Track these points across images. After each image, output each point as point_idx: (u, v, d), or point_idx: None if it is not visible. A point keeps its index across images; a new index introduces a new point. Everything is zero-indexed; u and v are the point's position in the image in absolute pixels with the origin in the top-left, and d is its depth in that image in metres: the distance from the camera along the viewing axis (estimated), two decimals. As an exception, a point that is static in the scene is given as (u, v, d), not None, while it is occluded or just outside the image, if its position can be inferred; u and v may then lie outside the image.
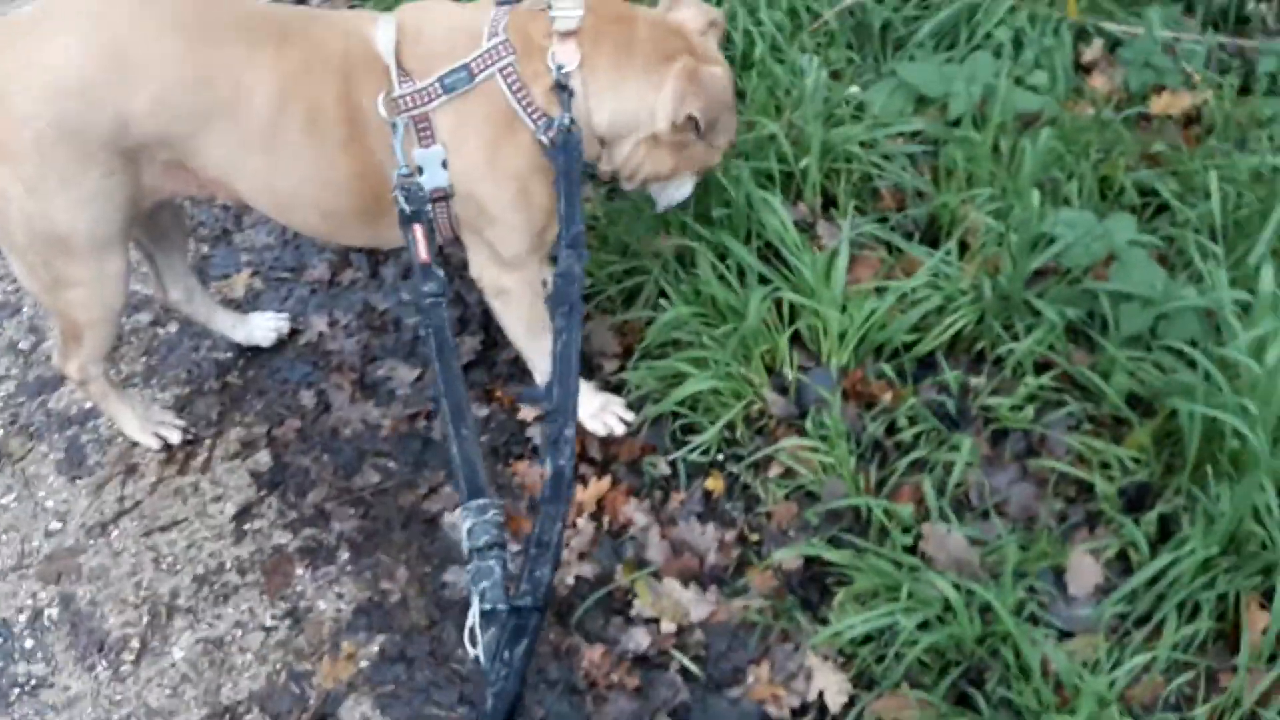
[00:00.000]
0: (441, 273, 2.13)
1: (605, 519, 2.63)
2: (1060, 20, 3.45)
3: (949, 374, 2.59)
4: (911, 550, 2.37)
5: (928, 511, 2.41)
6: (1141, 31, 3.39)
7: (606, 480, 2.69)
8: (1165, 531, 2.28)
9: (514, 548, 2.43)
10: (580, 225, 2.16)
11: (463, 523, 1.66)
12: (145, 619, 2.60)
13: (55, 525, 2.83)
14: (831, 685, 2.28)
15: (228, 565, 2.70)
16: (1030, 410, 2.51)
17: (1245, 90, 3.25)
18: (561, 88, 2.26)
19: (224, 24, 2.27)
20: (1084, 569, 2.28)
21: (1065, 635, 2.22)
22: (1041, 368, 2.59)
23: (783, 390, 2.69)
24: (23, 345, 3.36)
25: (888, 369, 2.64)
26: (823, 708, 2.28)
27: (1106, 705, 2.02)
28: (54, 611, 2.63)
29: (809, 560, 2.48)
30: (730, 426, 2.68)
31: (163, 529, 2.79)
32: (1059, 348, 2.56)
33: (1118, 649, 2.14)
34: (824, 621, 2.36)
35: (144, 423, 2.93)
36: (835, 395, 2.56)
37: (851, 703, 2.25)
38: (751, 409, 2.68)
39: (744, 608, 2.43)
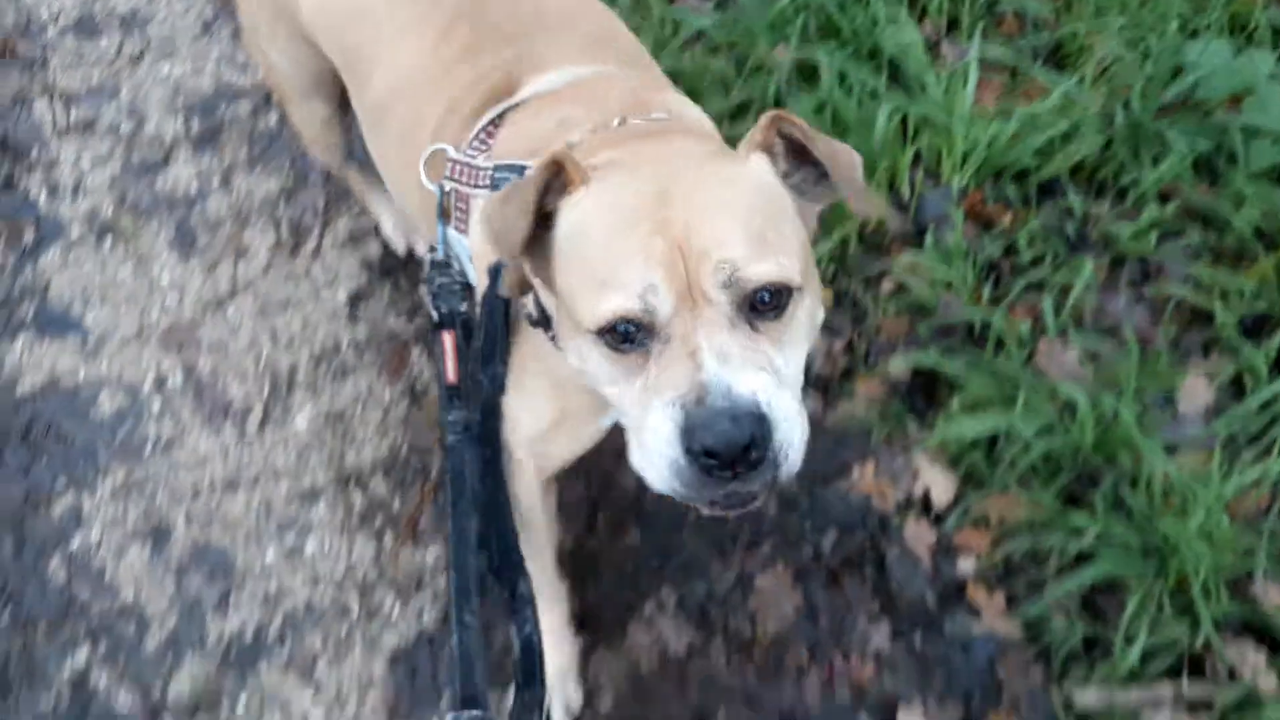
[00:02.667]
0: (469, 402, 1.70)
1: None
2: None
3: (1073, 198, 2.61)
4: (1026, 363, 2.43)
5: (1044, 330, 2.46)
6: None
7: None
8: (1280, 361, 2.34)
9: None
10: None
11: None
12: (266, 390, 2.69)
13: (172, 300, 2.89)
14: (939, 483, 2.37)
15: (344, 346, 2.77)
16: (1152, 238, 2.54)
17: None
18: None
19: None
20: (1196, 390, 2.34)
21: (1174, 450, 2.29)
22: (1163, 199, 2.60)
23: (900, 208, 2.72)
24: (124, 128, 3.37)
25: (1010, 191, 2.66)
26: (928, 504, 2.37)
27: (1216, 514, 2.10)
28: (177, 379, 2.71)
29: (916, 373, 2.54)
30: (843, 241, 2.72)
31: (278, 309, 2.86)
32: (1184, 179, 2.57)
33: (1228, 467, 2.21)
34: (933, 429, 2.43)
35: (399, 227, 2.91)
36: (957, 213, 2.58)
37: (957, 501, 2.35)
38: (866, 225, 2.71)
39: (851, 413, 2.51)
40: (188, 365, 2.74)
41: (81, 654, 2.29)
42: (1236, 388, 2.35)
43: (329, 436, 2.59)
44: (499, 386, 1.67)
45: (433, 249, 1.78)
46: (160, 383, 2.70)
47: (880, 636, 2.29)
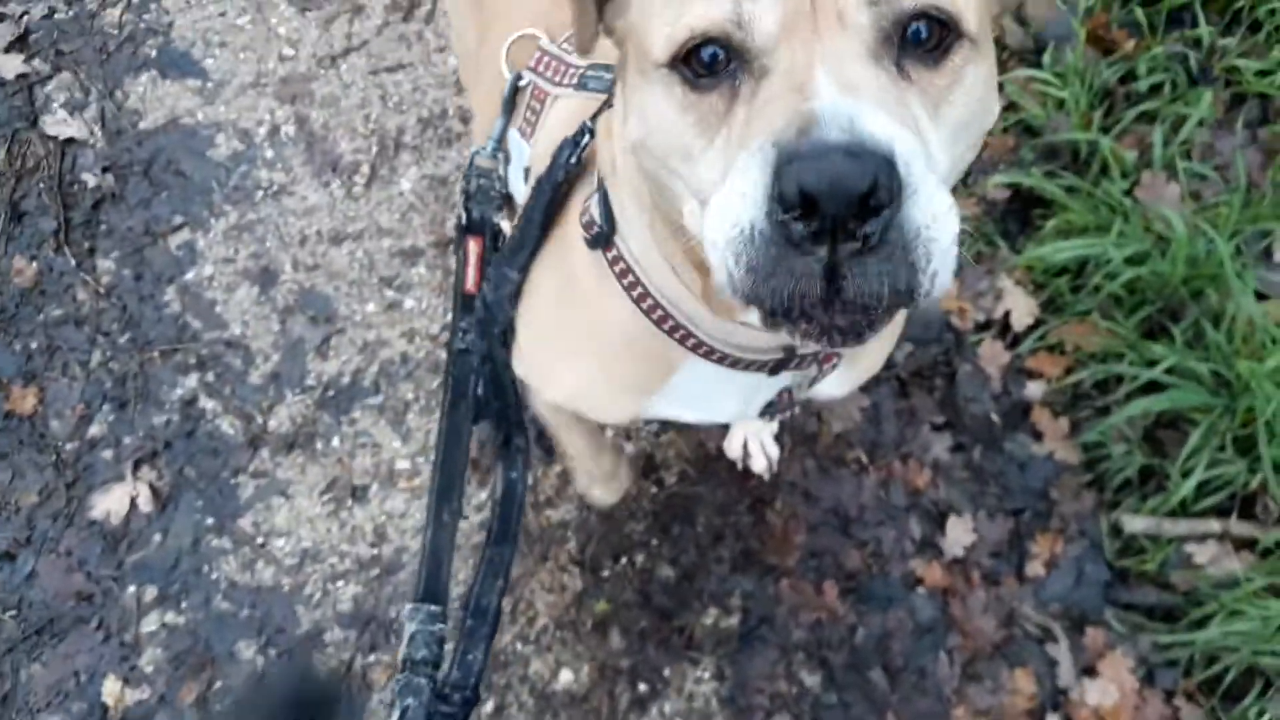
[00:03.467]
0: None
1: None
2: None
3: (1204, 27, 2.51)
4: (1126, 195, 2.40)
5: (1150, 162, 2.42)
6: None
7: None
8: (1392, 216, 2.29)
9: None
10: None
11: (407, 623, 1.39)
12: (374, 149, 2.76)
13: (288, 51, 2.94)
14: (1020, 307, 2.40)
15: (450, 113, 2.82)
16: (1278, 77, 2.45)
17: None
18: None
19: None
20: (1297, 239, 2.31)
21: (1261, 297, 2.28)
22: (1299, 37, 2.50)
23: (1021, 22, 2.64)
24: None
25: (1138, 15, 2.56)
26: (1006, 326, 2.41)
27: (1294, 361, 2.12)
28: (290, 129, 2.80)
29: (1013, 196, 2.53)
30: (959, 52, 2.65)
31: (389, 70, 2.90)
32: (1325, 18, 2.46)
33: (1314, 316, 2.20)
34: (1021, 253, 2.44)
35: None
36: (1080, 32, 2.51)
37: (1036, 325, 2.38)
38: (987, 36, 2.64)
39: (943, 228, 2.51)
40: (300, 117, 2.82)
41: (192, 379, 2.47)
42: (1340, 240, 2.32)
43: (432, 200, 2.68)
44: (504, 294, 1.41)
45: (483, 148, 1.53)
46: (274, 131, 2.79)
47: (941, 447, 2.37)
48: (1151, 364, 2.20)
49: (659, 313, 1.24)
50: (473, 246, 1.50)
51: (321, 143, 2.77)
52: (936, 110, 0.91)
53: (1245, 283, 2.18)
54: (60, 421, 2.44)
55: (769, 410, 1.45)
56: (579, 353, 1.40)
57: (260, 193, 2.69)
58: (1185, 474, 2.16)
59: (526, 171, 1.48)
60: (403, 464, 2.38)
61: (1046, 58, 2.55)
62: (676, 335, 1.25)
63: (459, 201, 1.50)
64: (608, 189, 1.23)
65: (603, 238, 1.24)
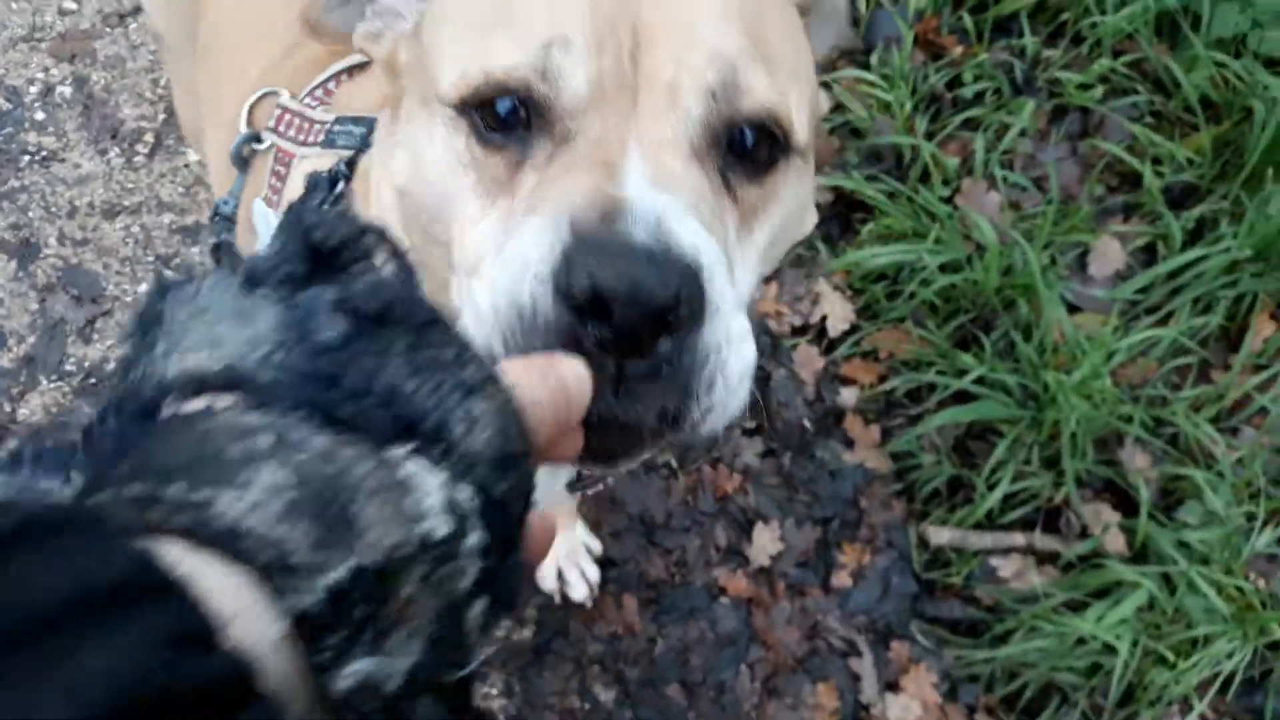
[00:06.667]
0: None
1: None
2: None
3: (1028, 38, 2.50)
4: (947, 201, 2.36)
5: (971, 170, 2.39)
6: None
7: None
8: (1198, 235, 2.30)
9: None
10: None
11: None
12: (161, 116, 2.53)
13: (70, 5, 2.68)
14: (837, 312, 2.33)
15: (250, 82, 2.61)
16: (1098, 91, 2.45)
17: None
18: None
19: None
20: (1109, 252, 2.30)
21: (1074, 310, 2.27)
22: (1118, 55, 2.50)
23: (853, 22, 2.58)
24: None
25: (967, 22, 2.53)
26: (823, 331, 2.34)
27: (1101, 373, 2.09)
28: (67, 90, 2.54)
29: (838, 198, 2.47)
30: (788, 49, 2.58)
31: (185, 33, 2.67)
32: (1143, 34, 2.46)
33: (1123, 331, 2.19)
34: (840, 257, 2.38)
35: None
36: (909, 34, 2.46)
37: (852, 331, 2.31)
38: (815, 33, 2.58)
39: (765, 228, 2.44)
40: (79, 78, 2.56)
41: (-65, 359, 2.20)
42: (1148, 256, 2.32)
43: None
44: None
45: (225, 200, 1.37)
46: (47, 91, 2.53)
47: (751, 453, 2.28)
48: (962, 373, 2.15)
49: None
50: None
51: (102, 107, 2.53)
52: (749, 227, 0.83)
53: (1056, 294, 2.16)
54: None
55: (577, 485, 1.29)
56: None
57: (26, 157, 2.43)
58: (991, 486, 2.12)
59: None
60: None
61: (874, 59, 2.50)
62: None
63: (207, 248, 1.34)
64: None
65: None
